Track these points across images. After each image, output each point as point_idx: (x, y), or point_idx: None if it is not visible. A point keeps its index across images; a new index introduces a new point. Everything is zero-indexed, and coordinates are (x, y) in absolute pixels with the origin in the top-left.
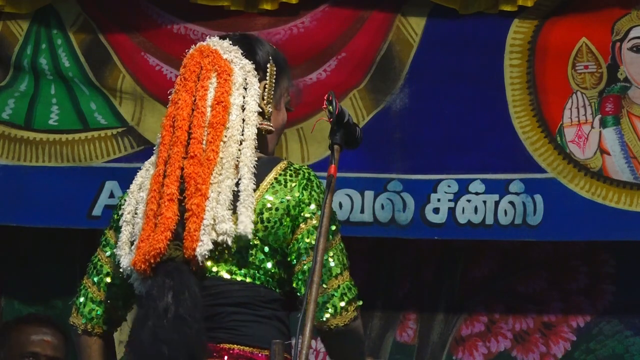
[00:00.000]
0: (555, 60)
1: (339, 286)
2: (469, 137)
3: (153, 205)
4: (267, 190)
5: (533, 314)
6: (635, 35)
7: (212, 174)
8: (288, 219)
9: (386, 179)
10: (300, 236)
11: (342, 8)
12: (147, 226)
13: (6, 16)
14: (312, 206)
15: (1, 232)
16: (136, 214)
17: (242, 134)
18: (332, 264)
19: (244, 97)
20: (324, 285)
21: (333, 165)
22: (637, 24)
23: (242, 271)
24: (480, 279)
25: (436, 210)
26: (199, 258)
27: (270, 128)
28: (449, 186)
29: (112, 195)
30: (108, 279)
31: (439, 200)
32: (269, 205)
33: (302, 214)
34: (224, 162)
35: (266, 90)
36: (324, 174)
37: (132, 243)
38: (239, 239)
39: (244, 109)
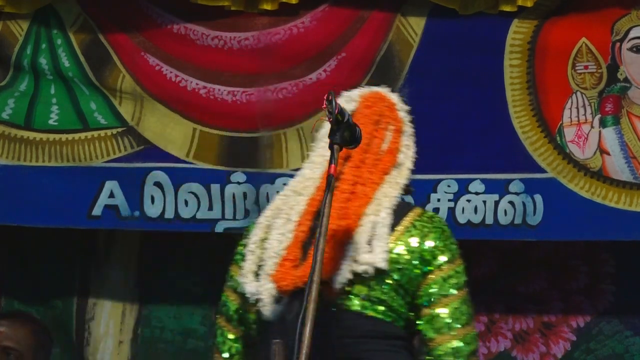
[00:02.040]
0: (555, 60)
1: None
2: (469, 137)
3: (304, 226)
4: (404, 234)
5: (533, 314)
6: (635, 35)
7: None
8: (421, 263)
9: None
10: (433, 282)
11: (342, 8)
12: (294, 248)
13: (6, 16)
14: (447, 255)
15: (1, 232)
16: (266, 239)
17: (397, 181)
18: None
19: (405, 151)
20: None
21: (333, 165)
22: (637, 24)
23: (374, 307)
24: (480, 279)
25: (436, 210)
26: (337, 286)
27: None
28: (448, 186)
29: (112, 195)
30: (239, 315)
31: (438, 200)
32: (405, 247)
33: (435, 261)
34: (375, 200)
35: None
36: None
37: (257, 272)
38: (374, 273)
39: (403, 161)
